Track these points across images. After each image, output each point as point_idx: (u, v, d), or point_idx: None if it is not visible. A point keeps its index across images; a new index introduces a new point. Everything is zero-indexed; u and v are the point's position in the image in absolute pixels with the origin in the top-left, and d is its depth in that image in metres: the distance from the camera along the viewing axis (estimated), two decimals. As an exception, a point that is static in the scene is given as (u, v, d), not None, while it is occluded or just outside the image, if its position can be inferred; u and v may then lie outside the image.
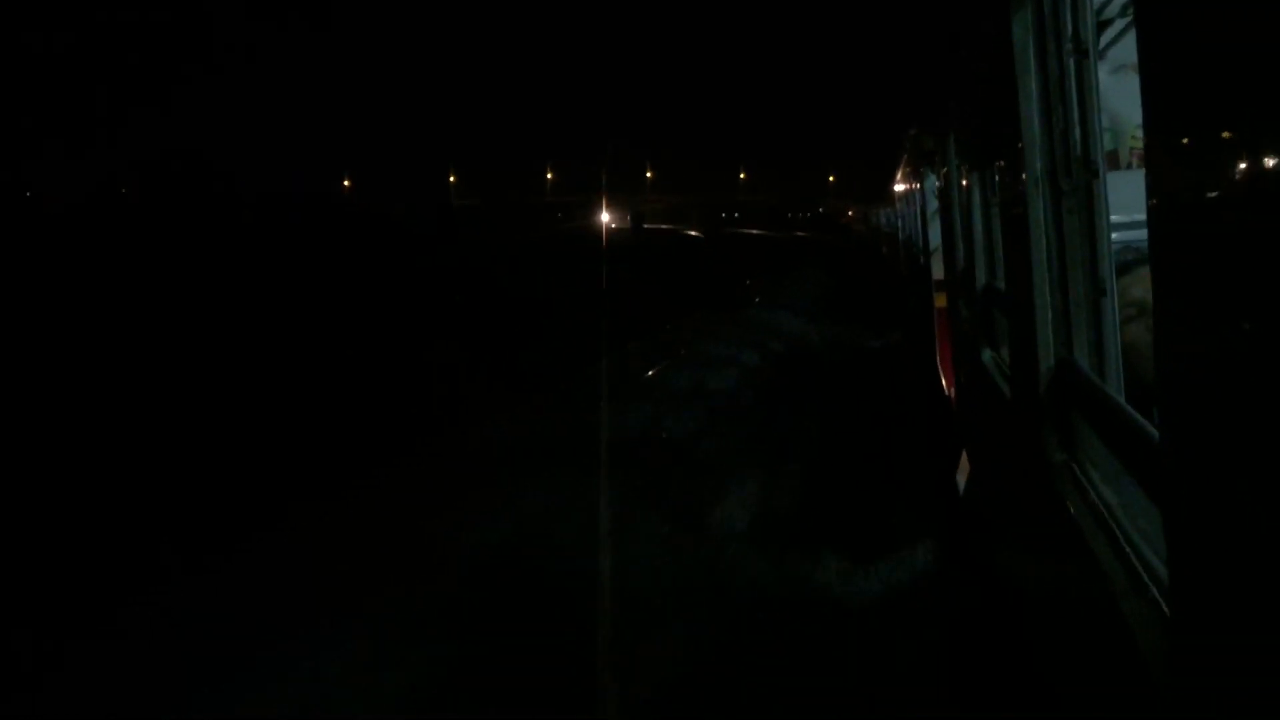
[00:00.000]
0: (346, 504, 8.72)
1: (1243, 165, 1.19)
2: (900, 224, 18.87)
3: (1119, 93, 3.85)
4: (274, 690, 5.39)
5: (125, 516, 8.65)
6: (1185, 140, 1.37)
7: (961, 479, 7.11)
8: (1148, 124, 1.56)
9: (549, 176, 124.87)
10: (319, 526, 8.14)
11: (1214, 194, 1.31)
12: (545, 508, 8.27)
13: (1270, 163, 1.11)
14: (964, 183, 6.01)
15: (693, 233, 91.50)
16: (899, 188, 17.32)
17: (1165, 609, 1.77)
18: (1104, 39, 3.82)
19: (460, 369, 16.23)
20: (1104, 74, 3.64)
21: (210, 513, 8.71)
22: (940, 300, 9.53)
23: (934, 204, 10.35)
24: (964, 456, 7.17)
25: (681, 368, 15.28)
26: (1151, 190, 1.51)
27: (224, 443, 11.50)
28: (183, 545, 7.80)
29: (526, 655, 5.56)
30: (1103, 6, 3.59)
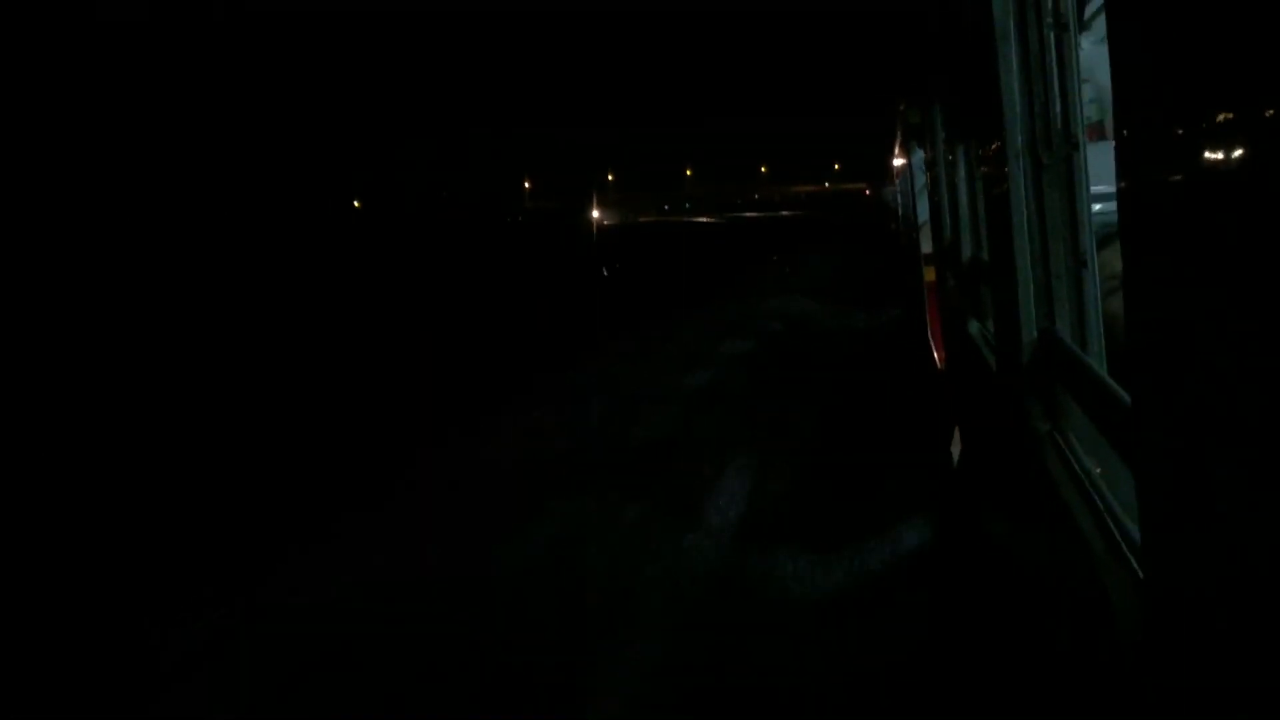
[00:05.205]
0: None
1: (1208, 149, 1.22)
2: (900, 200, 18.87)
3: (1106, 64, 3.83)
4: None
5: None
6: (1153, 122, 1.39)
7: (955, 451, 7.14)
8: (1117, 108, 1.58)
9: (526, 186, 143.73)
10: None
11: (1180, 175, 1.33)
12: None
13: (1236, 145, 1.13)
14: (949, 156, 6.02)
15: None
16: (897, 163, 17.28)
17: (1139, 572, 1.80)
18: (1089, 10, 3.82)
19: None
20: (1090, 45, 3.65)
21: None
22: (930, 274, 9.54)
23: (922, 179, 10.34)
24: (956, 430, 7.20)
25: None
26: (1121, 172, 1.54)
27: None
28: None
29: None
30: (1085, -22, 3.59)
